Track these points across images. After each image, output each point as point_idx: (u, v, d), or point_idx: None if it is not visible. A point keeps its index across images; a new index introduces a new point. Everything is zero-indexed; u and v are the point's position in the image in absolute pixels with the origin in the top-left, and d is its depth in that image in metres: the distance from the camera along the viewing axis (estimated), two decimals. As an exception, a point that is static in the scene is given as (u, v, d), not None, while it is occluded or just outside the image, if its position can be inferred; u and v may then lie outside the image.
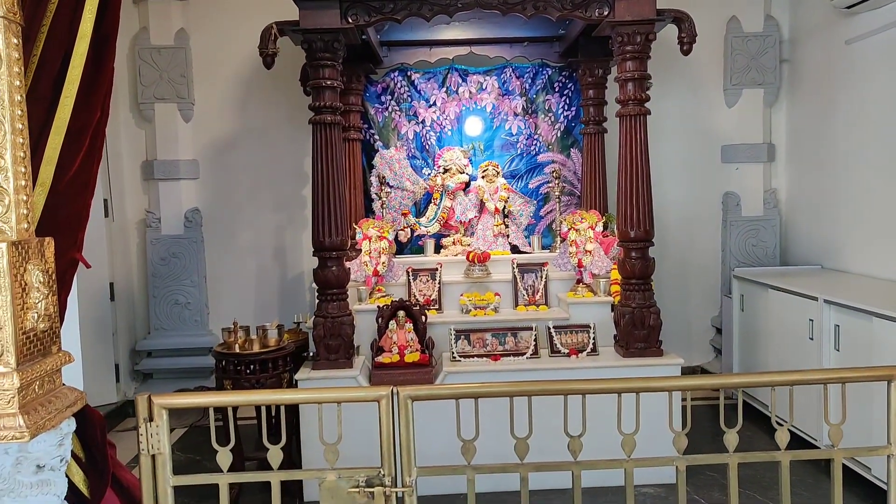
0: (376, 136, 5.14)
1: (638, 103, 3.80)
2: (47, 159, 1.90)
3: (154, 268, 5.47)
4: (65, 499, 1.96)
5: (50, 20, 1.86)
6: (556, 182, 4.94)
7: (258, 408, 3.94)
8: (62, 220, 1.99)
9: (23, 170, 1.73)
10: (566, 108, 5.16)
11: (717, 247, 5.71)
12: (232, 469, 2.10)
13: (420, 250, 5.00)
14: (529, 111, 5.16)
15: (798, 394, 2.09)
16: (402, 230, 4.89)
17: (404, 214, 4.97)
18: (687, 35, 3.74)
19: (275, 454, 2.11)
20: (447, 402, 2.15)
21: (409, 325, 3.91)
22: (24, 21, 1.74)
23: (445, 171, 4.93)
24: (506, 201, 4.91)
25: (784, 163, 5.66)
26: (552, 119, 5.17)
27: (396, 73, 5.12)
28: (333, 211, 3.74)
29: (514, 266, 4.47)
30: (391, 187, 5.02)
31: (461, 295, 4.38)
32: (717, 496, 3.60)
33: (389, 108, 5.14)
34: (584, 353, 3.95)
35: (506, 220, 4.96)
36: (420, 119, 5.13)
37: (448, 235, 4.97)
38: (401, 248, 4.91)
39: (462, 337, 3.99)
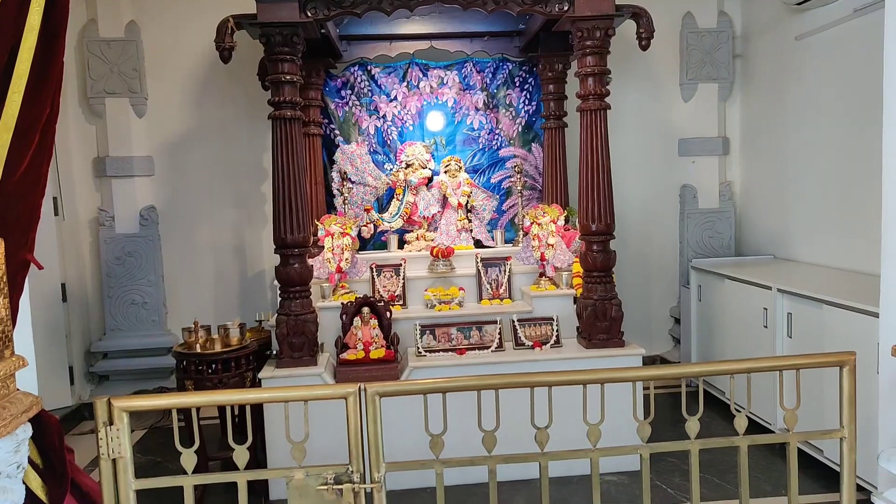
0: (337, 132, 5.10)
1: (598, 98, 3.86)
2: (-4, 157, 1.83)
3: (108, 267, 5.33)
4: (22, 507, 1.90)
5: (-4, 12, 1.79)
6: (518, 177, 4.98)
7: (221, 408, 3.88)
8: (12, 221, 1.92)
9: (-30, 168, 1.67)
10: (527, 102, 5.20)
11: (676, 239, 5.84)
12: (196, 470, 2.06)
13: (383, 246, 4.98)
14: (490, 106, 5.19)
15: (754, 380, 2.15)
16: (364, 226, 4.87)
17: (367, 210, 4.94)
18: (645, 30, 3.80)
19: (241, 454, 2.08)
20: (414, 397, 2.16)
21: (374, 322, 3.89)
22: (-32, 13, 1.67)
23: (408, 166, 4.92)
24: (469, 196, 4.94)
25: (738, 156, 5.82)
26: (513, 114, 5.20)
27: (356, 68, 5.08)
28: (295, 207, 3.70)
29: (478, 260, 4.50)
30: (353, 183, 4.98)
31: (425, 290, 4.38)
32: (678, 481, 3.69)
33: (350, 103, 5.10)
34: (548, 345, 4.00)
35: (469, 214, 4.98)
36: (381, 114, 5.11)
37: (411, 231, 4.97)
38: (364, 244, 4.89)
39: (427, 332, 3.99)
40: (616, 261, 4.01)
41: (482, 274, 4.47)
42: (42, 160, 1.93)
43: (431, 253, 4.54)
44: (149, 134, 5.41)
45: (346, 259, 4.30)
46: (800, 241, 4.93)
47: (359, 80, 5.09)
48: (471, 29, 4.91)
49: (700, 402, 2.26)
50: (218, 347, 3.63)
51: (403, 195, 4.97)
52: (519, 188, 4.99)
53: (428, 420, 2.11)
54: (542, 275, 4.42)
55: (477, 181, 5.12)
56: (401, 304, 4.36)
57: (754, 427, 4.12)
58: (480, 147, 5.18)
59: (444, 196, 4.94)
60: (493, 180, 5.19)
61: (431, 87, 5.13)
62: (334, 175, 5.02)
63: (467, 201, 4.96)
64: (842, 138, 4.39)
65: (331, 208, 5.03)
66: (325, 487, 2.04)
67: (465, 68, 5.16)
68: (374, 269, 4.47)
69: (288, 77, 3.65)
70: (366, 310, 3.92)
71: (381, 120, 5.11)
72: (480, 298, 4.44)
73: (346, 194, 4.87)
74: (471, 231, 4.97)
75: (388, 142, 5.12)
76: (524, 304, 4.33)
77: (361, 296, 4.06)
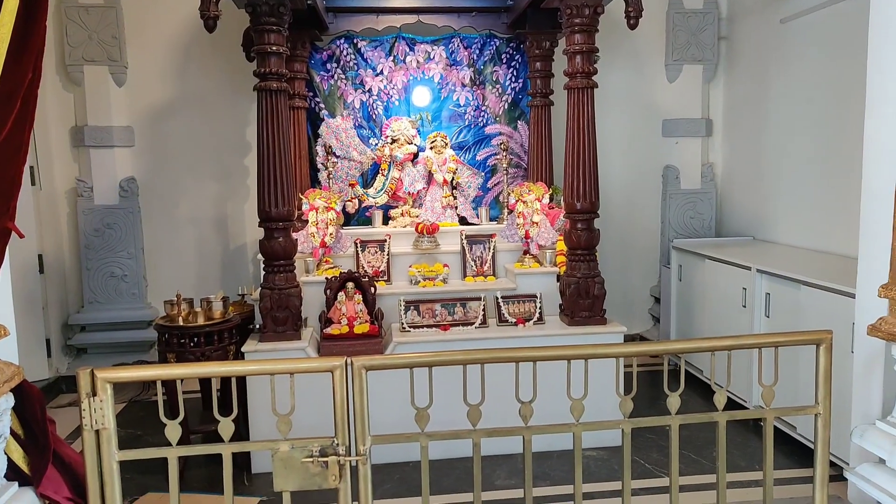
0: (322, 105, 5.03)
1: (585, 76, 3.85)
2: (-24, 122, 1.78)
3: (87, 239, 5.25)
4: (4, 476, 1.88)
5: (-25, -28, 1.74)
6: (504, 154, 4.97)
7: (203, 382, 3.87)
8: (-7, 188, 1.88)
9: (-50, 132, 1.62)
10: (513, 79, 5.17)
11: (657, 219, 5.89)
12: (178, 443, 2.06)
13: (368, 221, 4.96)
14: (477, 82, 5.15)
15: (731, 359, 2.19)
16: (349, 201, 4.83)
17: (352, 185, 4.91)
18: (633, 9, 3.78)
19: (226, 426, 2.08)
20: (399, 371, 2.17)
21: (359, 297, 3.89)
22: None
23: (393, 141, 4.88)
24: (454, 173, 4.92)
25: (721, 138, 5.86)
26: (500, 91, 5.17)
27: (342, 41, 5.01)
28: (280, 180, 3.66)
29: (463, 237, 4.50)
30: (338, 157, 4.94)
31: (410, 266, 4.38)
32: (656, 457, 3.77)
33: (335, 76, 5.04)
34: (531, 322, 4.03)
35: (454, 191, 4.97)
36: (367, 88, 5.05)
37: (396, 207, 4.95)
38: (348, 219, 4.86)
39: (411, 308, 4.00)
40: (600, 239, 4.04)
41: (467, 251, 4.48)
42: (24, 126, 1.89)
43: (416, 229, 4.53)
44: (129, 103, 5.30)
45: (331, 234, 4.27)
46: (779, 223, 5.00)
47: (345, 53, 5.02)
48: (458, 4, 4.86)
49: (681, 378, 2.30)
50: (201, 321, 3.61)
51: (388, 171, 4.94)
52: (504, 165, 4.99)
53: (414, 394, 2.13)
54: (526, 252, 4.44)
55: (462, 158, 5.10)
56: (385, 280, 4.36)
57: (730, 404, 4.20)
58: (466, 124, 5.16)
59: (430, 172, 4.92)
60: (478, 157, 5.17)
61: (418, 61, 5.08)
62: (319, 149, 4.97)
63: (452, 178, 4.94)
64: (823, 122, 4.44)
65: (315, 182, 4.99)
66: (311, 460, 2.05)
67: (451, 44, 5.11)
68: (359, 245, 4.46)
69: (274, 48, 3.59)
70: (350, 285, 3.91)
71: (367, 94, 5.05)
72: (465, 275, 4.45)
73: (331, 169, 4.83)
74: (456, 208, 4.96)
75: (374, 116, 5.07)
76: (508, 282, 4.35)
77: (346, 271, 4.05)
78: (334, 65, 5.03)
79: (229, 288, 5.13)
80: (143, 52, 5.26)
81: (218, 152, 5.45)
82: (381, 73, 5.05)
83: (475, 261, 4.47)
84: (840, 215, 4.24)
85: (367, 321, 3.84)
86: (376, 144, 5.01)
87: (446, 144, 4.93)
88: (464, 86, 5.13)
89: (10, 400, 1.82)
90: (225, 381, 3.63)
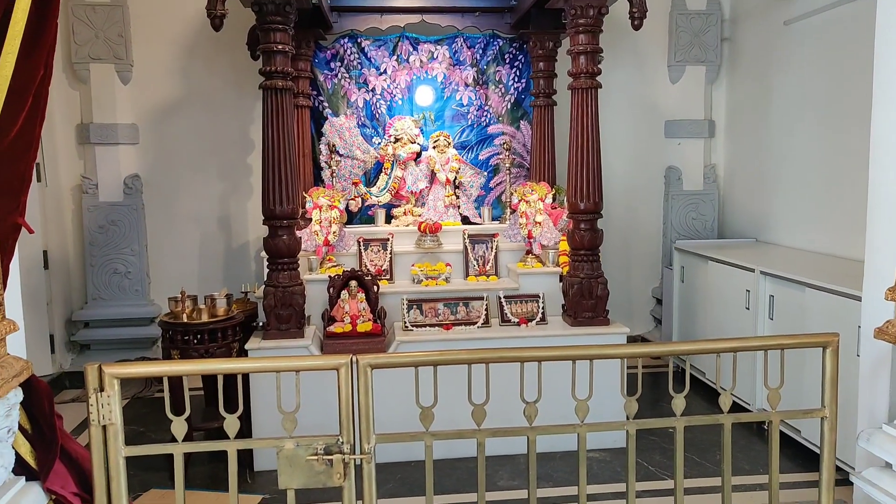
0: (325, 104, 5.04)
1: (589, 77, 3.85)
2: (-14, 119, 1.78)
3: (91, 235, 5.25)
4: (11, 471, 1.89)
5: (-13, -31, 1.74)
6: (506, 154, 4.98)
7: (206, 378, 3.87)
8: (3, 184, 1.88)
9: (-39, 129, 1.62)
10: (516, 79, 5.18)
11: (659, 220, 5.89)
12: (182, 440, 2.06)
13: (370, 220, 4.96)
14: (480, 82, 5.15)
15: (737, 361, 2.20)
16: (352, 199, 4.84)
17: (355, 184, 4.91)
18: (638, 10, 3.79)
19: (231, 423, 2.08)
20: (403, 370, 2.17)
21: (362, 295, 3.89)
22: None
23: (396, 140, 4.89)
24: (457, 172, 4.93)
25: (723, 139, 5.86)
26: (502, 90, 5.18)
27: (346, 40, 5.02)
28: (284, 179, 3.66)
29: (465, 237, 4.50)
30: (341, 156, 4.94)
31: (413, 265, 4.39)
32: (659, 459, 3.77)
33: (339, 75, 5.04)
34: (534, 322, 4.04)
35: (457, 191, 4.97)
36: (370, 87, 5.05)
37: (399, 206, 4.95)
38: (351, 217, 4.87)
39: (414, 307, 4.00)
40: (603, 241, 4.04)
41: (469, 250, 4.48)
42: (35, 123, 1.89)
43: (419, 228, 4.54)
44: (134, 101, 5.31)
45: (334, 232, 4.28)
46: (782, 225, 5.00)
47: (348, 52, 5.02)
48: (462, 4, 4.86)
49: (686, 380, 2.31)
50: (205, 318, 3.61)
51: (391, 169, 4.94)
52: (507, 165, 4.99)
53: (418, 392, 2.13)
54: (528, 252, 4.44)
55: (465, 157, 5.11)
56: (388, 279, 4.37)
57: (734, 407, 4.20)
58: (469, 123, 5.16)
59: (433, 171, 4.92)
60: (481, 157, 5.18)
61: (421, 61, 5.08)
62: (322, 147, 4.97)
63: (455, 177, 4.95)
64: (826, 124, 4.44)
65: (318, 181, 4.99)
66: (316, 458, 2.05)
67: (455, 43, 5.12)
68: (362, 243, 4.46)
69: (280, 47, 3.60)
70: (353, 283, 3.91)
71: (371, 93, 5.06)
72: (467, 275, 4.45)
73: (334, 167, 4.83)
74: (458, 207, 4.96)
75: (377, 115, 5.07)
76: (510, 281, 4.35)
77: (349, 269, 4.05)
78: (338, 64, 5.03)
79: (232, 285, 5.13)
80: (148, 50, 5.27)
81: (222, 150, 5.45)
82: (385, 72, 5.05)
83: (478, 260, 4.47)
84: (844, 217, 4.24)
85: (369, 320, 3.85)
86: (379, 143, 5.02)
87: (449, 144, 4.94)
88: (467, 85, 5.13)
89: (18, 395, 1.82)
90: (228, 377, 3.62)
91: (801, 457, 3.71)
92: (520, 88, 5.18)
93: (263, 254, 3.91)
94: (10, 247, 1.93)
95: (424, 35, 5.09)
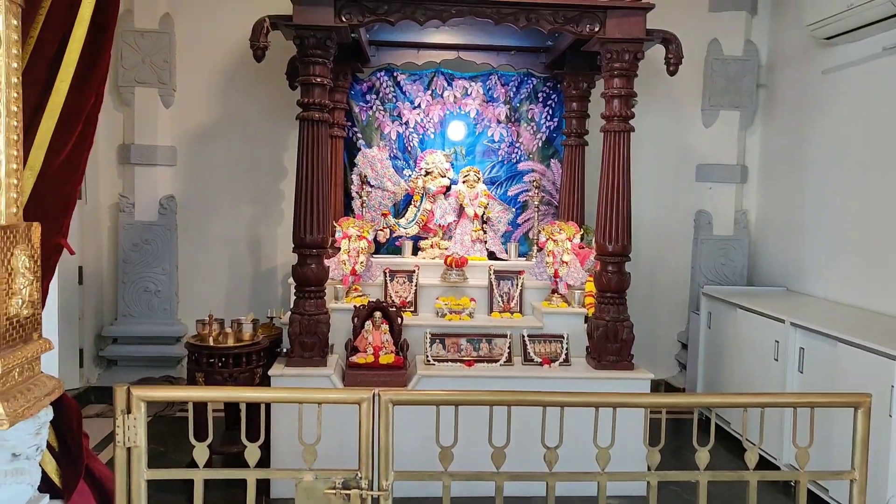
0: (359, 135, 5.13)
1: (623, 120, 3.87)
2: (38, 143, 1.86)
3: (125, 253, 5.37)
4: (37, 489, 1.92)
5: (49, 3, 1.83)
6: (535, 191, 5.00)
7: (228, 403, 3.90)
8: (49, 206, 1.95)
9: (15, 153, 1.70)
10: (549, 118, 5.23)
11: (688, 264, 5.83)
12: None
13: (397, 251, 5.01)
14: (512, 119, 5.21)
15: (765, 415, 2.16)
16: (381, 230, 4.88)
17: (384, 215, 4.97)
18: (674, 56, 3.82)
19: (252, 452, 2.10)
20: (424, 406, 2.17)
21: (385, 327, 3.91)
22: (23, 2, 1.70)
23: (427, 173, 4.95)
24: (485, 207, 4.95)
25: (756, 185, 5.81)
26: (534, 128, 5.22)
27: (383, 73, 5.12)
28: (317, 208, 3.73)
29: (491, 272, 4.51)
30: (372, 187, 5.01)
31: (437, 298, 4.40)
32: (679, 509, 3.68)
33: (374, 108, 5.14)
34: (557, 362, 4.01)
35: (484, 226, 4.99)
36: (404, 120, 5.14)
37: (426, 238, 4.99)
38: (378, 247, 4.90)
39: (437, 341, 4.01)
40: (630, 283, 4.02)
41: (494, 286, 4.48)
42: (83, 148, 1.97)
43: (445, 262, 4.56)
44: (174, 124, 5.46)
45: (361, 262, 4.32)
46: (814, 275, 4.92)
47: (384, 85, 5.13)
48: (498, 42, 4.94)
49: (711, 433, 2.27)
50: (230, 342, 3.66)
51: (421, 202, 4.99)
52: (535, 203, 5.01)
53: (439, 431, 2.13)
54: (554, 291, 4.43)
55: (494, 193, 5.14)
56: (412, 311, 4.38)
57: (760, 462, 4.10)
58: (500, 159, 5.21)
59: (461, 206, 4.96)
60: (510, 193, 5.21)
61: (455, 96, 5.16)
62: (354, 178, 5.05)
63: (483, 212, 4.97)
64: (865, 176, 4.39)
65: (348, 210, 5.07)
66: (334, 492, 2.06)
67: (489, 80, 5.19)
68: (388, 274, 4.49)
69: (318, 80, 3.69)
70: (377, 314, 3.94)
71: (404, 126, 5.14)
72: (491, 310, 4.45)
73: (365, 198, 4.90)
74: (485, 242, 4.98)
75: (409, 148, 5.15)
76: (535, 320, 4.34)
77: (374, 300, 4.08)
78: (374, 96, 5.13)
79: (258, 308, 5.18)
80: (191, 75, 5.43)
81: (255, 175, 5.56)
82: (419, 106, 5.14)
83: (502, 297, 4.47)
84: (881, 271, 4.16)
85: (392, 352, 3.86)
86: (410, 176, 5.08)
87: (479, 179, 4.98)
88: (499, 122, 5.19)
89: (49, 413, 1.86)
90: (251, 405, 3.66)
91: (829, 516, 3.60)
92: (552, 127, 5.23)
93: (291, 280, 3.96)
94: (52, 267, 2.00)
95: (459, 71, 5.17)
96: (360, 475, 2.06)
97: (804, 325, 3.89)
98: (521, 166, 5.22)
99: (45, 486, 1.97)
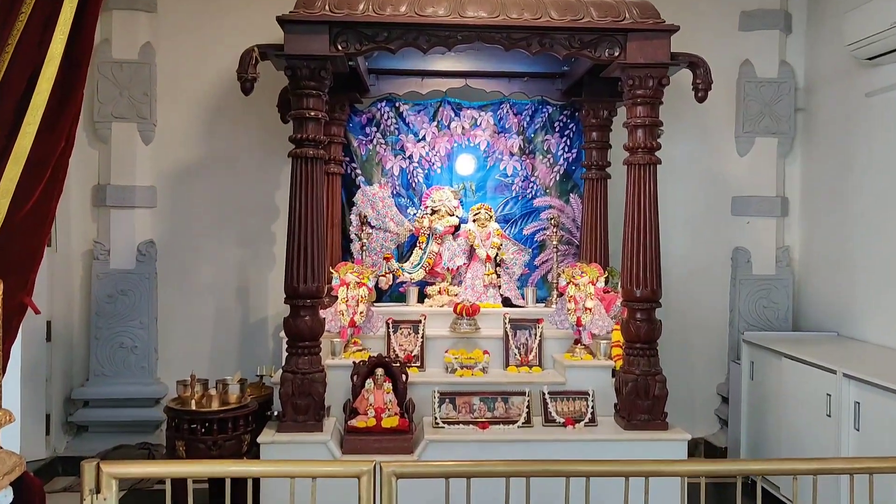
0: (358, 171, 5.17)
1: (648, 151, 3.88)
2: (2, 192, 1.88)
3: (99, 305, 5.37)
4: (-7, 582, 1.88)
5: (17, 39, 1.86)
6: (554, 230, 4.99)
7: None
8: (13, 259, 1.96)
9: (-24, 204, 1.71)
10: (566, 149, 5.25)
11: (725, 307, 5.77)
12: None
13: (401, 298, 4.99)
14: (526, 151, 5.24)
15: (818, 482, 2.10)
16: (383, 276, 4.87)
17: (386, 259, 4.97)
18: (702, 81, 3.85)
19: (238, 535, 2.06)
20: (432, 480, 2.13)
21: (388, 385, 3.88)
22: (-12, 41, 1.74)
23: (433, 212, 4.96)
24: (498, 248, 4.94)
25: (798, 218, 5.79)
26: (551, 161, 5.25)
27: (384, 104, 5.18)
28: (311, 254, 3.73)
29: (506, 321, 4.48)
30: (373, 227, 5.02)
31: (446, 351, 4.36)
32: (725, 590, 3.57)
33: (374, 141, 5.18)
34: (582, 423, 3.95)
35: (497, 269, 4.98)
36: (407, 154, 5.18)
37: (433, 283, 4.98)
38: (380, 295, 4.90)
39: (447, 400, 3.96)
40: (662, 331, 3.98)
41: (510, 337, 4.45)
42: (52, 197, 1.98)
43: (455, 310, 4.53)
44: (154, 162, 5.51)
45: (361, 312, 4.30)
46: (868, 318, 4.85)
47: (385, 116, 5.18)
48: (510, 68, 5.00)
49: (758, 501, 2.21)
50: (215, 405, 3.63)
51: (427, 244, 5.00)
52: (554, 242, 4.99)
53: (449, 508, 2.08)
54: (577, 342, 4.38)
55: (508, 232, 5.14)
56: (418, 366, 4.34)
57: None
58: (513, 195, 5.22)
59: (472, 247, 4.95)
60: (525, 232, 5.21)
61: (463, 127, 5.20)
62: (353, 218, 5.06)
63: (496, 254, 4.96)
64: (918, 207, 4.36)
65: (346, 253, 5.07)
66: (331, 578, 2.00)
67: (500, 109, 5.24)
68: (391, 325, 4.47)
69: (312, 113, 3.73)
70: (379, 371, 3.90)
71: (407, 161, 5.18)
72: (507, 364, 4.41)
73: (365, 240, 4.91)
74: (499, 287, 4.96)
75: (414, 185, 5.18)
76: (556, 375, 4.28)
77: (375, 354, 4.05)
78: (374, 129, 5.18)
79: (246, 365, 5.15)
80: (173, 109, 5.51)
81: (244, 216, 5.59)
82: (424, 138, 5.18)
83: (519, 349, 4.43)
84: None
85: (396, 413, 3.81)
86: (415, 215, 5.10)
87: (491, 217, 4.99)
88: (512, 154, 5.22)
89: (8, 496, 1.83)
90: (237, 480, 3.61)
91: None
92: (570, 159, 5.25)
93: (282, 334, 3.94)
94: (15, 328, 1.99)
95: (468, 100, 5.23)
96: (359, 560, 2.01)
97: (858, 376, 3.82)
98: (537, 202, 5.23)
99: (4, 577, 1.93)
